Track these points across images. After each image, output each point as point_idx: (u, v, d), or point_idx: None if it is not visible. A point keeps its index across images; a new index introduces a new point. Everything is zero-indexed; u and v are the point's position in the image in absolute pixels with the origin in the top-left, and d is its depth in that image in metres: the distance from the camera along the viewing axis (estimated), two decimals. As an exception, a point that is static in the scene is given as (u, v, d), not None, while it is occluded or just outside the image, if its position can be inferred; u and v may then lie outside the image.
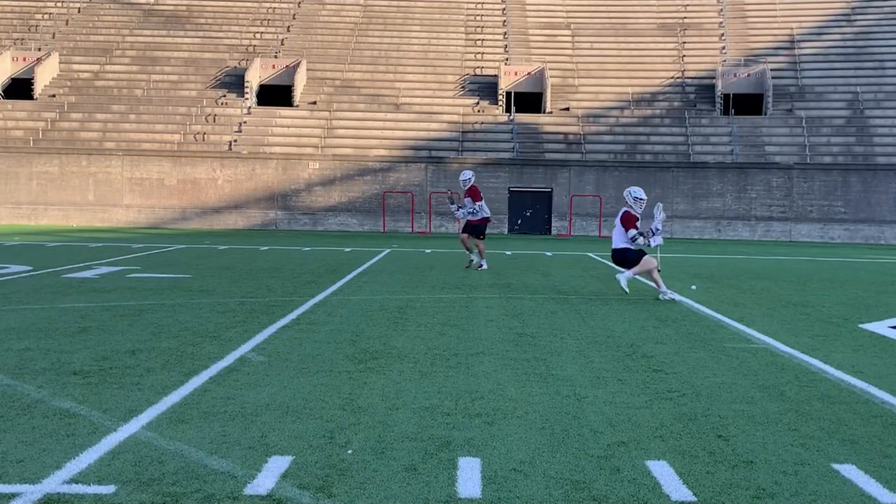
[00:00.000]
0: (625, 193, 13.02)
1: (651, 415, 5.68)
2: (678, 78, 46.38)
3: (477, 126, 42.78)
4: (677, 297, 12.52)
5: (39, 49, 45.83)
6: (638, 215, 12.76)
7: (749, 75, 44.48)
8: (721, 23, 50.40)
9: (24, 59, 44.36)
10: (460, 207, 17.09)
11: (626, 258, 12.86)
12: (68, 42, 47.23)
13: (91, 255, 19.31)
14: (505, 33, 50.03)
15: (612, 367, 7.26)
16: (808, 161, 40.29)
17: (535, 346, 8.23)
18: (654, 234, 12.78)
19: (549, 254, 23.86)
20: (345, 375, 6.69)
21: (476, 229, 16.89)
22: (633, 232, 12.55)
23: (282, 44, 47.97)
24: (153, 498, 3.96)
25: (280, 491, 4.09)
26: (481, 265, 16.88)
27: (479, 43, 49.16)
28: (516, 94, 44.42)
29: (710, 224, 39.78)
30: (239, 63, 45.99)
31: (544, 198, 39.94)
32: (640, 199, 12.75)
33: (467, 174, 17.03)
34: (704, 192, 39.87)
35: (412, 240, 31.07)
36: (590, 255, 23.72)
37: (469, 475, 4.37)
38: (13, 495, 3.95)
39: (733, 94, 44.12)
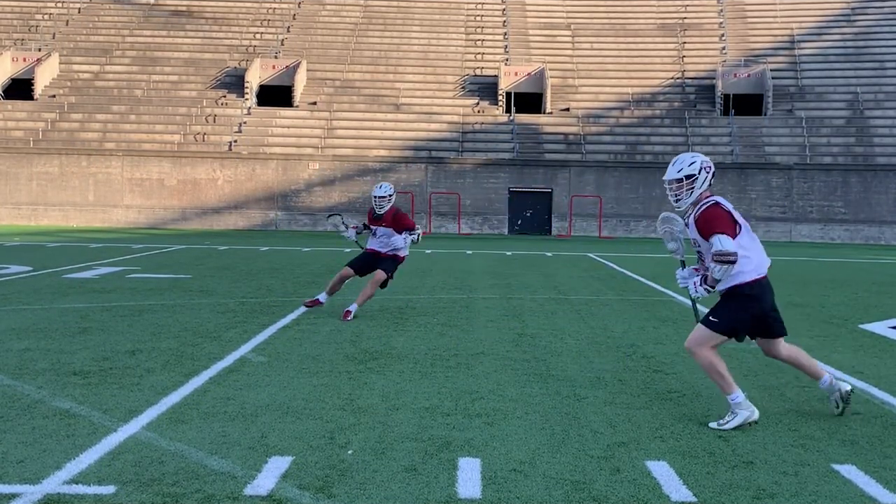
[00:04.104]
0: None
1: (651, 415, 5.68)
2: (678, 78, 46.36)
3: (477, 126, 42.76)
4: None
5: (39, 49, 45.81)
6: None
7: (749, 75, 44.46)
8: (721, 23, 50.39)
9: (24, 60, 44.34)
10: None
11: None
12: (68, 42, 47.21)
13: (91, 256, 19.30)
14: (505, 33, 50.01)
15: (612, 368, 7.25)
16: (808, 161, 40.28)
17: (535, 347, 8.22)
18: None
19: (549, 254, 23.85)
20: (345, 376, 6.69)
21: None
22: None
23: (282, 44, 47.96)
24: (153, 498, 3.96)
25: (280, 491, 4.09)
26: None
27: (479, 43, 49.14)
28: (516, 94, 44.41)
29: (710, 224, 39.72)
30: (239, 63, 45.98)
31: (544, 198, 39.94)
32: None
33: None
34: (704, 193, 39.84)
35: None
36: (590, 255, 23.70)
37: (469, 475, 4.37)
38: (13, 495, 3.95)
39: (733, 95, 44.11)
